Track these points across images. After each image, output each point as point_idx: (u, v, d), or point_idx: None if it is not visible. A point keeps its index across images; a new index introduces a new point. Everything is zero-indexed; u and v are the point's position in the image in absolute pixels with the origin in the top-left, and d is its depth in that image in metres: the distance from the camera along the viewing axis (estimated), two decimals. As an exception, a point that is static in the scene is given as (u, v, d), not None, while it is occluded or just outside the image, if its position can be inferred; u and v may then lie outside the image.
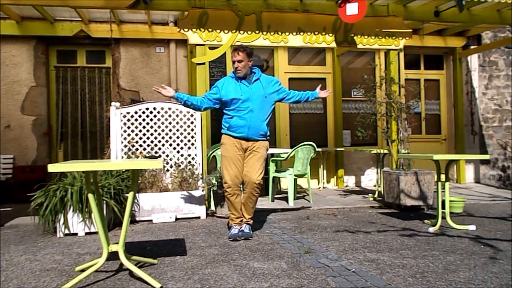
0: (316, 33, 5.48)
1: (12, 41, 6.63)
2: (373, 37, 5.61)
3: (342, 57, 7.64)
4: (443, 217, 4.05)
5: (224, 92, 3.81)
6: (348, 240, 3.63)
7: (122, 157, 4.88)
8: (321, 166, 7.39)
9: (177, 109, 5.08)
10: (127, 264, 2.65)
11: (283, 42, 5.41)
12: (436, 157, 3.85)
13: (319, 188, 7.40)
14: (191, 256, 3.16)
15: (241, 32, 5.25)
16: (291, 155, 5.56)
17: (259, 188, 3.79)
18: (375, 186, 6.65)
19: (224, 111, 3.89)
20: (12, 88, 6.67)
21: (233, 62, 3.79)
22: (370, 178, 7.83)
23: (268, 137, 3.93)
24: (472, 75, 8.11)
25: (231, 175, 3.76)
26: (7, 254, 3.32)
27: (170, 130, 5.07)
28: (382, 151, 6.16)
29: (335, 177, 7.62)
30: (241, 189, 3.86)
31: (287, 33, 5.40)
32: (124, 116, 4.97)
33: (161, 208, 4.62)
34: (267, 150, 3.89)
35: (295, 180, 5.72)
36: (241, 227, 3.79)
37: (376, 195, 6.05)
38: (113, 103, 5.00)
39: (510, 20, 5.89)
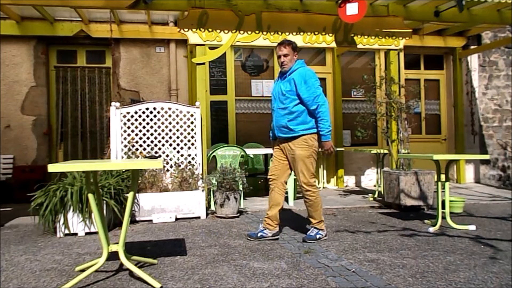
0: (316, 33, 5.49)
1: (12, 41, 6.64)
2: (373, 37, 5.61)
3: (342, 57, 7.64)
4: (443, 217, 4.05)
5: None
6: (348, 240, 3.63)
7: (122, 157, 4.88)
8: (321, 166, 7.39)
9: (177, 109, 5.08)
10: (127, 264, 2.64)
11: (283, 42, 5.40)
12: (436, 157, 3.85)
13: (319, 188, 7.40)
14: (191, 256, 3.16)
15: (241, 32, 5.25)
16: (291, 155, 5.55)
17: (310, 191, 3.59)
18: (375, 186, 6.65)
19: None
20: (12, 88, 6.67)
21: (279, 57, 3.63)
22: (370, 178, 7.83)
23: (304, 132, 3.55)
24: (472, 75, 8.11)
25: (271, 170, 3.79)
26: (7, 254, 3.32)
27: (170, 130, 5.07)
28: (382, 151, 6.16)
29: (335, 177, 7.63)
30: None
31: (287, 33, 5.40)
32: (124, 116, 4.97)
33: (161, 208, 4.62)
34: (307, 146, 3.55)
35: (295, 180, 5.72)
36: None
37: (376, 195, 6.05)
38: (113, 103, 5.00)
39: (510, 20, 5.89)
